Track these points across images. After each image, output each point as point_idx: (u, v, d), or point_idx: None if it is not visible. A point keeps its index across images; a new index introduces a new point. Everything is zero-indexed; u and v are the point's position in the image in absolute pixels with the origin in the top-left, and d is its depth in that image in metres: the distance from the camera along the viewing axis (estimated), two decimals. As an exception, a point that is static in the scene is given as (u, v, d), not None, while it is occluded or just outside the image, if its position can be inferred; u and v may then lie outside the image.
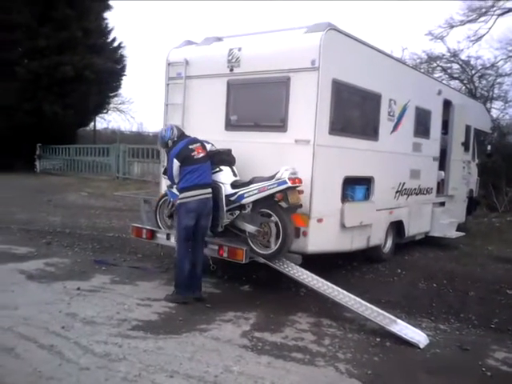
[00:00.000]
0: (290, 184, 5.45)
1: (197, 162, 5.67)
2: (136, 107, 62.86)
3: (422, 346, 4.71)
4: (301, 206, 5.70)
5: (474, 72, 17.70)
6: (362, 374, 4.07)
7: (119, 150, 20.19)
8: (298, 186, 5.55)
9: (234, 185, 5.95)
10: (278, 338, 4.68)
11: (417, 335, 4.87)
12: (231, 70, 6.48)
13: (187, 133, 6.23)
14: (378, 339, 4.84)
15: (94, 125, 29.50)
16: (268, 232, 5.77)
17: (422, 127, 8.50)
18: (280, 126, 6.10)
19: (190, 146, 5.73)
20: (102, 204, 14.04)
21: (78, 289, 5.84)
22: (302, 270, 5.72)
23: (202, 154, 5.74)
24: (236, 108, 6.56)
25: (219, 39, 6.96)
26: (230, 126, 6.56)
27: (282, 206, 5.72)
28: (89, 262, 7.33)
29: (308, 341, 4.68)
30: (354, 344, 4.68)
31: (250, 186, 5.77)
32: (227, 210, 5.96)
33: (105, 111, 27.45)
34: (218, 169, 6.06)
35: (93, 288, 5.95)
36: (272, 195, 5.63)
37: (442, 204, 9.81)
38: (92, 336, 4.44)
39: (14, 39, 19.72)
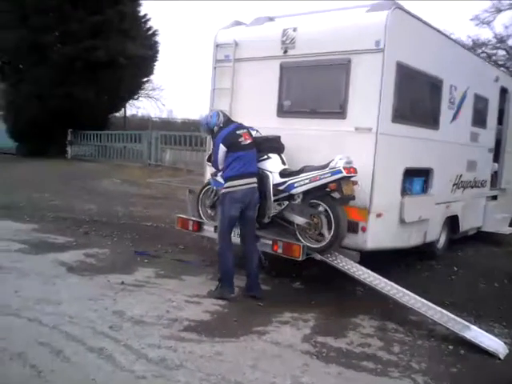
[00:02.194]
0: (345, 174, 5.04)
1: (244, 148, 5.34)
2: (166, 94, 62.92)
3: (501, 357, 4.26)
4: (354, 197, 5.28)
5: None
6: (442, 388, 3.67)
7: (151, 137, 19.90)
8: (352, 176, 5.13)
9: (283, 173, 5.57)
10: (343, 344, 4.30)
11: (494, 343, 4.43)
12: (285, 51, 6.04)
13: (235, 119, 5.86)
14: (450, 347, 4.42)
15: (125, 111, 29.36)
16: (319, 224, 5.38)
17: (479, 116, 7.92)
18: (339, 112, 5.65)
19: (238, 132, 5.40)
20: (135, 191, 13.81)
21: (122, 283, 5.54)
22: (361, 267, 5.30)
23: (248, 141, 5.40)
24: (289, 93, 6.13)
25: (271, 19, 6.52)
26: (282, 112, 6.14)
27: (333, 197, 5.33)
28: (129, 253, 7.04)
29: (376, 347, 4.28)
30: (426, 352, 4.27)
31: (301, 175, 5.37)
32: (275, 200, 5.58)
33: (136, 97, 27.20)
34: (266, 156, 5.68)
35: (137, 282, 5.64)
36: (324, 186, 5.23)
37: (495, 198, 9.24)
38: (143, 338, 4.11)
39: (46, 24, 19.52)
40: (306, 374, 3.70)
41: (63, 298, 4.93)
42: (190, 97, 65.11)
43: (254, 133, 5.65)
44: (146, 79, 25.67)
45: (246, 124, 5.66)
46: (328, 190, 5.29)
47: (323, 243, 5.35)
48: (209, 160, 6.30)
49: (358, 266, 5.28)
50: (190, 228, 6.22)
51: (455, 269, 7.04)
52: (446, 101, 6.70)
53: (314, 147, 5.78)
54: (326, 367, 3.84)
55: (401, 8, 5.48)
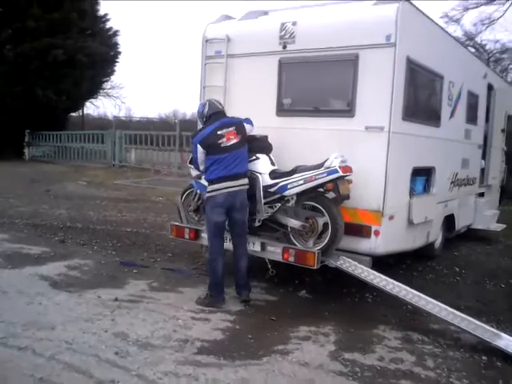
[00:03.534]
0: (341, 173, 4.77)
1: (224, 150, 4.91)
2: (126, 92, 61.33)
3: (539, 367, 4.04)
4: (349, 197, 5.01)
5: (489, 56, 17.06)
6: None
7: (115, 137, 19.13)
8: (348, 175, 4.87)
9: (274, 175, 5.24)
10: (374, 361, 3.96)
11: (529, 352, 4.20)
12: (284, 47, 5.65)
13: None
14: (484, 357, 4.15)
15: (82, 110, 28.20)
16: (315, 227, 5.07)
17: (471, 113, 7.79)
18: (346, 110, 5.32)
19: (219, 132, 4.95)
20: (104, 194, 13.10)
21: (116, 299, 5.02)
22: (379, 274, 4.99)
23: (233, 141, 4.95)
24: (290, 90, 5.74)
25: (265, 13, 6.11)
26: (282, 110, 5.75)
27: (328, 197, 5.05)
28: (114, 263, 6.50)
29: (409, 363, 3.97)
30: (461, 365, 3.98)
31: (294, 176, 5.04)
32: (266, 203, 5.23)
33: (95, 96, 26.16)
34: (254, 157, 5.33)
35: (132, 298, 5.13)
36: (317, 186, 4.96)
37: (482, 195, 9.19)
38: (156, 365, 3.64)
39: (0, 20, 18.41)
40: (348, 400, 3.35)
41: (55, 320, 4.37)
42: (149, 95, 63.83)
43: (248, 127, 5.20)
44: (106, 79, 24.71)
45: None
46: (322, 190, 5.04)
47: (319, 246, 5.05)
48: (190, 162, 5.88)
49: (375, 272, 4.96)
50: (187, 236, 5.76)
51: (457, 269, 6.87)
52: (445, 97, 6.49)
53: (318, 147, 5.42)
54: (366, 390, 3.50)
55: (408, 1, 5.21)
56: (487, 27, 16.66)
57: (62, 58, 18.28)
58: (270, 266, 5.31)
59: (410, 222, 5.70)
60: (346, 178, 4.92)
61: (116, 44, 22.99)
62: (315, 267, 4.84)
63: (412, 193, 5.83)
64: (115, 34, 23.05)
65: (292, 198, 5.11)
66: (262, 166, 5.31)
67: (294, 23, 5.59)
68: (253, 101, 5.91)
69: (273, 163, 5.40)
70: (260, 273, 5.62)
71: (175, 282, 5.75)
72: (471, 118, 7.77)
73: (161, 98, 76.46)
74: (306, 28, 5.53)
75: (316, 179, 4.88)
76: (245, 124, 5.17)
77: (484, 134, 8.91)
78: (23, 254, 6.66)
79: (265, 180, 5.24)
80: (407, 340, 4.43)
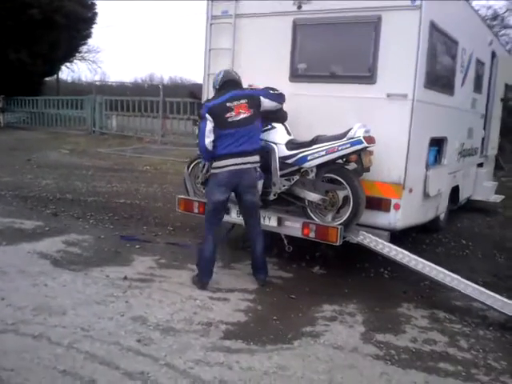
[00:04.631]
0: (366, 144, 4.52)
1: (231, 125, 4.53)
2: (102, 56, 59.29)
3: None
4: (369, 169, 4.77)
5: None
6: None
7: (95, 102, 18.41)
8: (372, 146, 4.61)
9: (291, 145, 4.95)
10: (407, 342, 3.80)
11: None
12: (299, 7, 5.27)
13: None
14: (515, 336, 4.05)
15: (57, 75, 27.04)
16: (335, 201, 4.85)
17: (478, 81, 7.56)
18: (367, 76, 5.01)
19: (228, 104, 4.56)
20: (89, 163, 12.61)
21: (126, 278, 4.74)
22: (397, 248, 4.78)
23: (243, 115, 4.54)
24: (305, 54, 5.38)
25: (277, -31, 5.68)
26: (296, 76, 5.40)
27: (349, 169, 4.81)
28: (114, 238, 6.18)
29: (443, 344, 3.82)
30: (495, 346, 3.85)
31: (315, 147, 4.76)
32: (282, 175, 4.96)
33: (71, 60, 25.05)
34: (269, 126, 5.02)
35: (142, 276, 4.85)
36: (338, 158, 4.71)
37: (481, 165, 9.08)
38: (184, 353, 3.40)
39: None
40: (393, 386, 3.18)
41: (64, 303, 4.07)
42: (124, 59, 61.88)
43: (267, 103, 4.76)
44: (83, 42, 23.60)
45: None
46: (342, 161, 4.79)
47: (340, 221, 4.83)
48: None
49: (397, 248, 4.76)
50: (196, 211, 5.43)
51: (464, 242, 6.78)
52: (459, 65, 6.24)
53: (335, 115, 5.13)
54: (407, 374, 3.33)
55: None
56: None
57: (39, 17, 17.26)
58: (286, 241, 5.07)
59: (426, 195, 5.51)
60: (368, 149, 4.68)
61: (93, 4, 21.94)
62: (338, 243, 4.62)
63: (427, 164, 5.64)
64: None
65: (312, 171, 4.85)
66: (278, 135, 5.01)
67: (310, -18, 5.20)
68: (264, 65, 5.54)
69: (289, 133, 5.11)
70: (270, 247, 5.37)
71: (183, 258, 5.48)
72: (477, 86, 7.56)
73: (136, 62, 74.32)
74: (323, -13, 5.15)
75: (339, 150, 4.61)
76: (263, 98, 4.72)
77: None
78: (16, 228, 6.27)
79: (281, 151, 4.95)
80: (434, 319, 4.28)
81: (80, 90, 25.44)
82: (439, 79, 5.62)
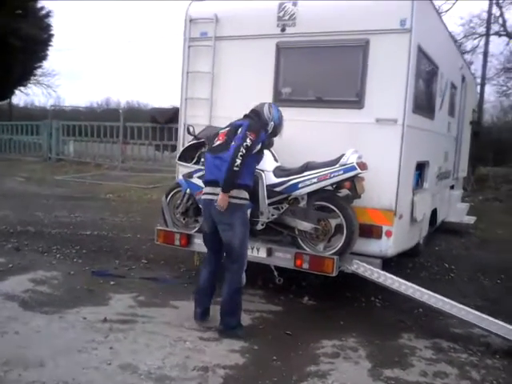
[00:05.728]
0: (359, 170, 4.38)
1: (209, 150, 4.38)
2: (58, 81, 57.79)
3: None
4: (360, 196, 4.61)
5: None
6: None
7: (51, 128, 17.71)
8: (364, 172, 4.47)
9: (279, 172, 4.75)
10: (418, 376, 3.60)
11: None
12: (283, 29, 5.13)
13: (218, 109, 5.22)
14: (521, 364, 3.91)
15: (10, 99, 26.02)
16: (328, 229, 4.66)
17: (451, 105, 7.65)
18: (354, 101, 4.89)
19: (219, 131, 4.38)
20: (48, 191, 11.99)
21: (105, 320, 4.33)
22: (393, 276, 4.61)
23: (217, 142, 4.24)
24: (289, 78, 5.22)
25: (259, -9, 5.54)
26: (280, 100, 5.19)
27: (341, 197, 4.64)
28: (85, 273, 5.74)
29: (454, 376, 3.65)
30: (508, 376, 3.70)
31: (305, 174, 4.57)
32: (270, 204, 4.73)
33: (25, 84, 24.15)
34: None
35: (123, 317, 4.45)
36: (329, 185, 4.54)
37: (452, 187, 9.16)
38: (184, 405, 3.07)
39: None
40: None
41: (42, 353, 3.63)
42: (80, 83, 60.74)
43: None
44: (38, 64, 22.82)
45: (233, 115, 4.56)
46: (332, 188, 4.62)
47: (333, 250, 4.64)
48: (179, 158, 5.30)
49: (393, 276, 4.60)
50: (177, 243, 5.09)
51: (446, 265, 6.71)
52: (438, 89, 6.25)
53: (321, 141, 4.98)
54: (426, 417, 3.11)
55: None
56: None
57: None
58: (276, 273, 4.80)
59: (414, 220, 5.41)
60: (360, 175, 4.52)
61: (49, 26, 21.29)
62: (333, 274, 4.41)
63: (413, 189, 5.55)
64: (48, 14, 21.36)
65: (302, 198, 4.64)
66: (265, 162, 4.78)
67: (295, 3, 5.07)
68: (245, 89, 5.32)
69: (276, 159, 4.91)
70: (252, 279, 5.05)
71: (163, 295, 5.11)
72: (451, 110, 7.63)
73: (92, 86, 73.06)
74: (309, 9, 5.02)
75: (331, 177, 4.44)
76: (253, 132, 4.10)
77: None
78: (-26, 266, 5.74)
79: (269, 178, 4.73)
80: (438, 349, 4.10)
81: (33, 114, 24.56)
82: (423, 103, 5.58)
